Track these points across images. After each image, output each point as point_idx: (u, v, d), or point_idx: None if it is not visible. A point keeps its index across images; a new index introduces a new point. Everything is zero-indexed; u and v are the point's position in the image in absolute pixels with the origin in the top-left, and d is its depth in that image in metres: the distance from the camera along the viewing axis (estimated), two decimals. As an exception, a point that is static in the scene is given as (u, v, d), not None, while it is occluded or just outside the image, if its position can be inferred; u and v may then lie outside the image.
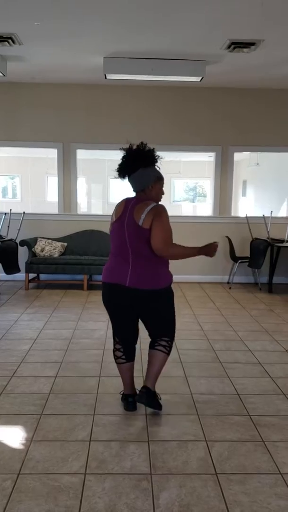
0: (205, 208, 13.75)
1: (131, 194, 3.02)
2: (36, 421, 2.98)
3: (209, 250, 2.97)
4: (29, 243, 7.08)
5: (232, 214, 7.98)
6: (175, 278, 3.20)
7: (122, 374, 3.17)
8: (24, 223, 7.06)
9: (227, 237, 7.46)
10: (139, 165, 2.89)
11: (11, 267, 6.64)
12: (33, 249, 7.12)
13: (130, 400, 3.14)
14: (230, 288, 7.32)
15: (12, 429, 2.89)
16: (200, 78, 6.09)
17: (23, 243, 7.02)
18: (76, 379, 3.66)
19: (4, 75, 6.14)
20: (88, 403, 3.25)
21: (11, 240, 6.77)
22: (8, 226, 6.81)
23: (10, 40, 5.20)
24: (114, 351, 3.16)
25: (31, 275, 7.18)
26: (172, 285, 3.07)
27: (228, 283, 7.64)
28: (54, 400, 3.29)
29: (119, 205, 2.97)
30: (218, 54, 5.62)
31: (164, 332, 3.07)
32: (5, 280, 7.29)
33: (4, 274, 6.66)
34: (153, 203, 2.87)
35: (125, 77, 6.15)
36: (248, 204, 12.81)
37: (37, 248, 7.14)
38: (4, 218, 6.58)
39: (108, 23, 4.76)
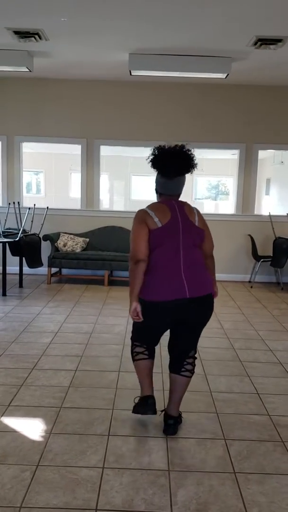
0: (227, 206, 13.63)
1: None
2: (55, 413, 3.01)
3: None
4: (52, 238, 7.15)
5: (255, 212, 7.90)
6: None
7: (142, 372, 2.88)
8: (47, 218, 7.11)
9: (249, 235, 7.40)
10: (189, 169, 2.77)
11: (34, 261, 6.71)
12: (55, 244, 7.18)
13: (150, 402, 2.82)
14: (251, 287, 7.26)
15: (32, 421, 2.93)
16: (225, 75, 6.04)
17: (46, 237, 7.09)
18: (96, 373, 3.68)
19: (31, 71, 6.20)
20: (107, 397, 3.27)
21: (34, 234, 6.85)
22: (32, 221, 6.88)
23: (37, 36, 5.24)
24: (133, 348, 2.92)
25: (54, 270, 7.26)
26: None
27: (249, 282, 7.57)
28: (73, 393, 3.32)
29: (160, 209, 2.73)
30: (244, 51, 5.56)
31: (192, 347, 2.85)
32: (28, 274, 7.38)
33: (28, 268, 6.73)
34: (189, 204, 2.85)
35: (150, 73, 6.14)
36: (272, 203, 12.65)
37: (60, 243, 7.21)
38: (28, 213, 6.66)
39: (134, 19, 4.75)
